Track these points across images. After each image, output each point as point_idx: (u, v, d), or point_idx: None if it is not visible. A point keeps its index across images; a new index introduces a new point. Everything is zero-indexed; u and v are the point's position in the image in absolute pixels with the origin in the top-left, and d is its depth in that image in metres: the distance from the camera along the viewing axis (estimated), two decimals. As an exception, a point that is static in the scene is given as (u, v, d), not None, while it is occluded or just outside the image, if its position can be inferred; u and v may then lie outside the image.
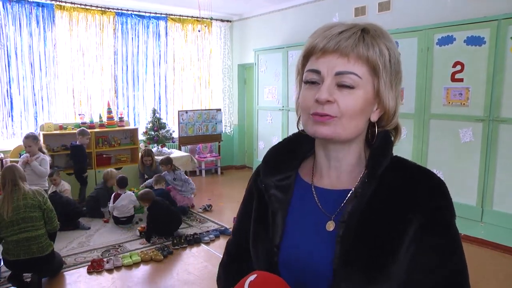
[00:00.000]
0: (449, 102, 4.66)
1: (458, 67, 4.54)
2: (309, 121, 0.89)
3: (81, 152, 6.12)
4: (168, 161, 6.08)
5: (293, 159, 1.04)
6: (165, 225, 4.95)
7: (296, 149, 1.04)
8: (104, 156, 6.82)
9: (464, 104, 4.55)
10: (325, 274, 0.87)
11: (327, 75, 0.86)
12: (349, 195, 0.92)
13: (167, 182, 5.97)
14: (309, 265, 0.90)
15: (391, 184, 0.88)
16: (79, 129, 6.21)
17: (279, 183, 1.00)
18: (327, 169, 0.97)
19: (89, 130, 6.35)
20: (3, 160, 5.92)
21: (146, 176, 6.46)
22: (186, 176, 6.20)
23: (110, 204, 5.40)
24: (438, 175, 0.94)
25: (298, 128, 1.01)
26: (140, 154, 6.58)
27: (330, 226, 0.91)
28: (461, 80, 4.54)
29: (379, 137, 0.94)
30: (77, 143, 6.10)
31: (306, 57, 0.92)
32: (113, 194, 5.48)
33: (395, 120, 0.95)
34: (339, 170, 0.96)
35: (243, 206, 1.13)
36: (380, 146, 0.93)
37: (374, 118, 0.92)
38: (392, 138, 0.97)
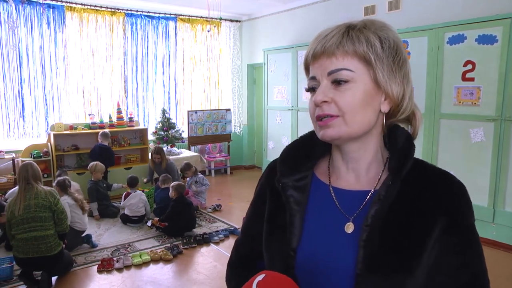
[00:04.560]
0: (460, 102, 4.62)
1: (469, 66, 4.49)
2: (316, 127, 0.91)
3: (112, 153, 6.40)
4: (188, 166, 6.22)
5: (309, 158, 1.01)
6: (182, 222, 5.02)
7: (311, 148, 1.02)
8: (114, 155, 6.86)
9: (475, 103, 4.50)
10: (345, 278, 0.85)
11: (321, 78, 0.87)
12: (368, 196, 0.90)
13: (187, 185, 6.14)
14: (328, 268, 0.88)
15: (413, 186, 0.87)
16: (103, 131, 6.34)
17: (297, 183, 0.97)
18: (345, 170, 0.96)
19: (98, 131, 6.46)
20: (15, 160, 5.99)
21: (156, 176, 6.49)
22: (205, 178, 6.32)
23: (122, 203, 5.50)
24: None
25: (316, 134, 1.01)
26: (150, 151, 6.60)
27: (349, 228, 0.89)
28: (472, 79, 4.49)
29: (402, 138, 0.92)
30: (103, 144, 6.25)
31: (306, 68, 0.94)
32: (124, 193, 5.56)
33: (405, 106, 0.91)
34: (357, 171, 0.94)
35: (254, 205, 1.10)
36: (405, 147, 0.90)
37: (385, 109, 0.90)
38: (411, 128, 0.95)
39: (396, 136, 0.93)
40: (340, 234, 0.90)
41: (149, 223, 5.24)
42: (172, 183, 5.27)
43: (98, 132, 6.41)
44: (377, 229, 0.84)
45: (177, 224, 4.99)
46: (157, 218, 5.14)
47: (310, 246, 0.92)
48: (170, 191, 5.18)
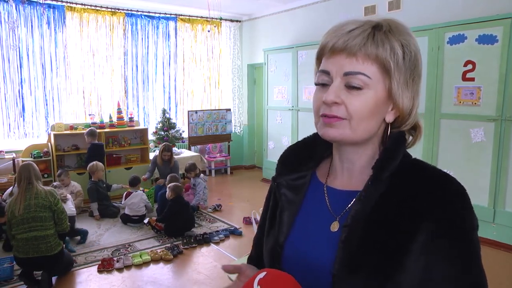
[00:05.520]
0: (460, 102, 4.62)
1: (470, 66, 4.49)
2: (319, 124, 0.89)
3: (104, 150, 6.40)
4: (193, 167, 6.22)
5: (310, 159, 1.02)
6: (180, 222, 5.02)
7: (313, 149, 1.02)
8: (114, 156, 6.87)
9: (475, 103, 4.50)
10: (325, 276, 0.84)
11: (335, 76, 0.84)
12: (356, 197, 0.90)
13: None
14: (310, 265, 0.88)
15: (402, 188, 0.84)
16: (91, 129, 6.26)
17: (292, 182, 0.99)
18: (340, 170, 0.96)
19: (99, 130, 6.45)
20: (15, 160, 5.99)
21: (156, 176, 6.48)
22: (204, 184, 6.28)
23: (122, 202, 5.53)
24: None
25: (316, 128, 1.00)
26: (159, 148, 6.54)
27: (335, 226, 0.89)
28: (472, 79, 4.49)
29: (391, 139, 0.90)
30: (95, 142, 6.20)
31: (319, 58, 0.90)
32: (125, 193, 5.57)
33: (411, 120, 0.90)
34: (351, 171, 0.94)
35: (265, 203, 1.13)
36: (390, 148, 0.88)
37: (389, 119, 0.88)
38: (411, 138, 0.94)
39: (389, 137, 0.91)
40: (326, 233, 0.90)
41: (146, 220, 5.24)
42: (169, 184, 5.28)
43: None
44: (358, 230, 0.83)
45: (175, 224, 4.99)
46: (155, 218, 5.15)
47: (297, 243, 0.93)
48: (167, 192, 5.19)
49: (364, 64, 0.82)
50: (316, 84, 0.89)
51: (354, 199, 0.89)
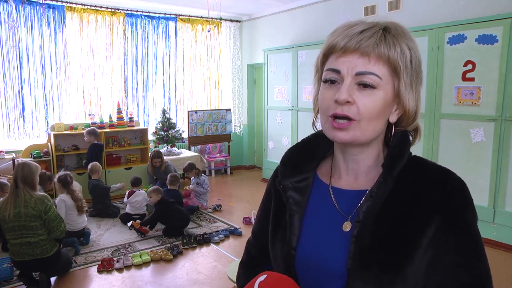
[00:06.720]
0: (460, 102, 4.61)
1: (470, 66, 4.49)
2: (327, 124, 0.88)
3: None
4: (191, 167, 6.23)
5: (311, 160, 1.02)
6: (171, 221, 5.02)
7: (314, 150, 1.03)
8: (114, 156, 6.87)
9: (475, 103, 4.50)
10: (339, 275, 0.86)
11: (347, 75, 0.85)
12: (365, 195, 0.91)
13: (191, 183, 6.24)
14: (324, 265, 0.89)
15: (409, 184, 0.87)
16: (93, 129, 6.26)
17: (297, 184, 1.00)
18: (345, 170, 0.97)
19: (99, 131, 6.44)
20: (15, 160, 5.98)
21: (155, 177, 6.49)
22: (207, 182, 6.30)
23: (125, 199, 5.55)
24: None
25: (314, 128, 1.00)
26: (149, 155, 6.57)
27: (347, 226, 0.90)
28: (472, 79, 4.49)
29: (396, 137, 0.93)
30: (95, 142, 6.20)
31: (326, 55, 0.90)
32: (127, 192, 5.58)
33: (416, 122, 0.94)
34: (356, 171, 0.95)
35: (262, 206, 1.13)
36: (397, 146, 0.91)
37: (393, 119, 0.91)
38: (411, 139, 0.96)
39: (393, 135, 0.94)
40: (337, 233, 0.91)
41: (129, 224, 5.17)
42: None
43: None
44: (369, 226, 0.85)
45: (169, 225, 5.01)
46: (139, 221, 5.10)
47: (309, 245, 0.94)
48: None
49: (376, 65, 0.84)
50: (324, 81, 0.89)
51: (364, 197, 0.91)
